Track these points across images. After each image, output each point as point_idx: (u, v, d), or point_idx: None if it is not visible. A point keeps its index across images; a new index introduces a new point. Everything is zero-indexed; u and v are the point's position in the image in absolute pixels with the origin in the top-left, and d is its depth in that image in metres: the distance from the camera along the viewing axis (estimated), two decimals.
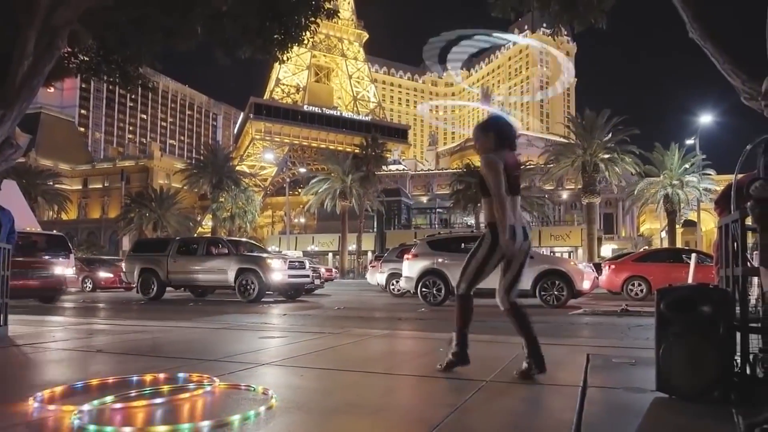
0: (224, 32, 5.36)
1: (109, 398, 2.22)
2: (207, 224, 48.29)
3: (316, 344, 4.17)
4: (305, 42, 5.69)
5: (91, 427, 1.86)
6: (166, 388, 2.50)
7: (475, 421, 2.10)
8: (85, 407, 2.08)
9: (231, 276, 10.80)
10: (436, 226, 50.42)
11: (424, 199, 57.72)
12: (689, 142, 30.06)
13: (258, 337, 4.53)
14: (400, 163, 62.35)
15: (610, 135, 30.47)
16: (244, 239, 16.23)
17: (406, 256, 10.91)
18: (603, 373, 2.95)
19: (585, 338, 5.52)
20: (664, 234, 35.78)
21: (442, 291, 9.94)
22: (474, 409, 2.24)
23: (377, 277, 15.22)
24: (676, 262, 12.53)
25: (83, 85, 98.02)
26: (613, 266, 12.95)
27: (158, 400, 2.28)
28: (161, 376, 2.74)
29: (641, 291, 12.10)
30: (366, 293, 16.30)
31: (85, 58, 5.97)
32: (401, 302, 11.63)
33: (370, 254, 41.58)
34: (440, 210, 54.24)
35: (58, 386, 2.48)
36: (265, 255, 11.60)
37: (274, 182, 69.29)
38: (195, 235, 40.59)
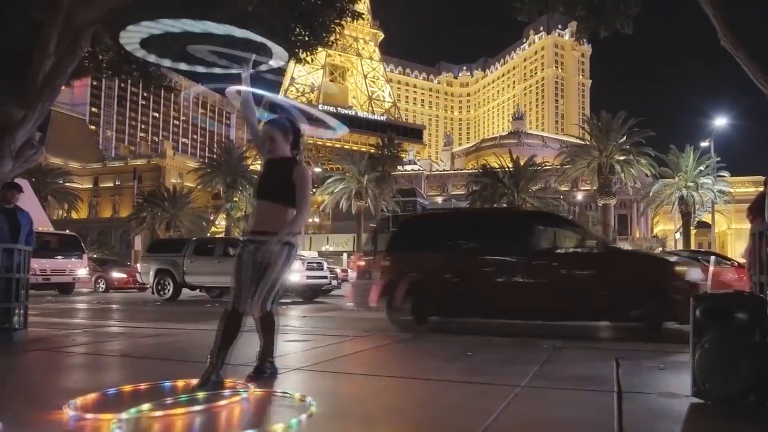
0: None
1: (145, 406, 2.19)
2: (220, 224, 48.55)
3: (342, 348, 4.14)
4: (330, 43, 5.58)
5: None
6: (201, 395, 2.46)
7: (517, 427, 2.09)
8: (123, 416, 2.05)
9: None
10: None
11: (439, 200, 57.59)
12: (704, 144, 30.09)
13: (283, 341, 4.44)
14: (415, 164, 62.25)
15: (625, 137, 30.61)
16: None
17: None
18: (635, 378, 2.93)
19: (608, 341, 5.53)
20: (678, 235, 35.52)
21: None
22: (514, 415, 2.23)
23: None
24: None
25: (94, 83, 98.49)
26: None
27: (196, 408, 2.25)
28: (194, 381, 2.68)
29: None
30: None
31: (106, 58, 5.93)
32: None
33: None
34: None
35: (91, 393, 2.45)
36: None
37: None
38: (208, 234, 40.88)
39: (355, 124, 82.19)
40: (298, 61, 5.67)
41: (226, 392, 2.51)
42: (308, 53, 5.53)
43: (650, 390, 2.65)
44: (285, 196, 2.78)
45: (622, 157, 30.27)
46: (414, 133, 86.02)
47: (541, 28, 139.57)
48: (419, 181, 57.41)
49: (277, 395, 2.50)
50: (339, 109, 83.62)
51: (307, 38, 5.35)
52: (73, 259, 14.19)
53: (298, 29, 5.27)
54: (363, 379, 3.13)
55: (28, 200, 11.82)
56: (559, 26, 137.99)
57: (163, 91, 6.79)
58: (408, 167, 56.47)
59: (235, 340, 2.76)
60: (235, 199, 38.34)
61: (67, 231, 15.85)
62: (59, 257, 13.66)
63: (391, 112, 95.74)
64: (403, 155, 43.09)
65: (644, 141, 30.52)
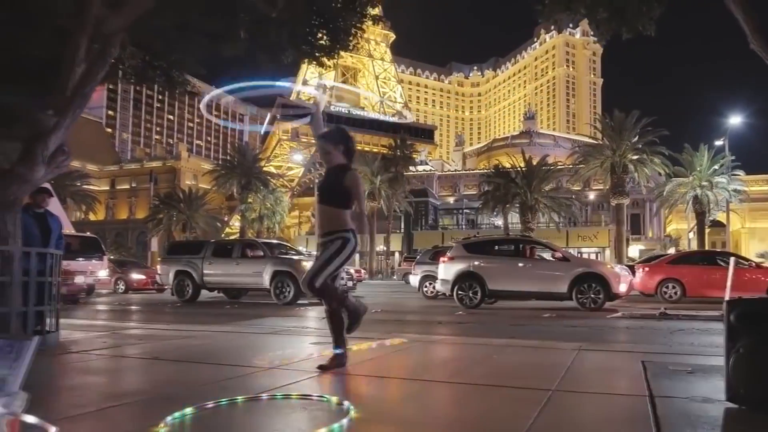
0: (269, 37, 5.32)
1: (189, 410, 2.24)
2: (235, 225, 48.99)
3: (366, 351, 4.15)
4: (351, 47, 5.61)
5: None
6: (240, 399, 2.49)
7: None
8: (168, 419, 2.10)
9: (266, 278, 10.85)
10: (463, 227, 50.21)
11: (451, 200, 57.39)
12: (718, 142, 29.83)
13: (309, 343, 4.51)
14: (427, 164, 62.08)
15: (638, 136, 30.39)
16: (275, 241, 16.36)
17: (442, 259, 10.91)
18: (664, 383, 2.92)
19: (632, 344, 5.52)
20: (692, 235, 35.12)
21: (479, 294, 9.97)
22: (552, 421, 2.23)
23: (411, 279, 15.33)
24: (711, 265, 12.38)
25: (110, 86, 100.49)
26: (647, 268, 12.87)
27: (236, 413, 2.30)
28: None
29: (675, 293, 12.06)
30: (397, 294, 16.27)
31: (131, 64, 6.03)
32: (436, 304, 11.54)
33: (397, 255, 41.53)
34: (467, 211, 53.95)
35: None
36: (300, 257, 11.61)
37: (301, 183, 70.00)
38: (223, 235, 41.26)
39: (366, 125, 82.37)
40: (320, 65, 5.71)
41: (264, 396, 2.54)
42: (330, 57, 5.56)
43: (682, 394, 2.63)
44: (338, 199, 3.17)
45: (635, 157, 30.03)
46: (425, 134, 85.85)
47: (552, 27, 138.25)
48: (431, 182, 57.27)
49: (314, 399, 2.52)
50: (351, 110, 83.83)
51: (328, 43, 5.39)
52: (94, 261, 14.46)
53: (320, 34, 5.31)
54: (394, 382, 3.14)
55: (52, 203, 12.12)
56: (570, 25, 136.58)
57: (178, 94, 6.88)
58: (420, 168, 56.36)
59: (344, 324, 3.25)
60: (250, 200, 38.66)
61: (88, 233, 16.11)
62: (80, 259, 13.92)
63: (402, 113, 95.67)
64: (415, 156, 43.06)
65: (658, 140, 30.29)
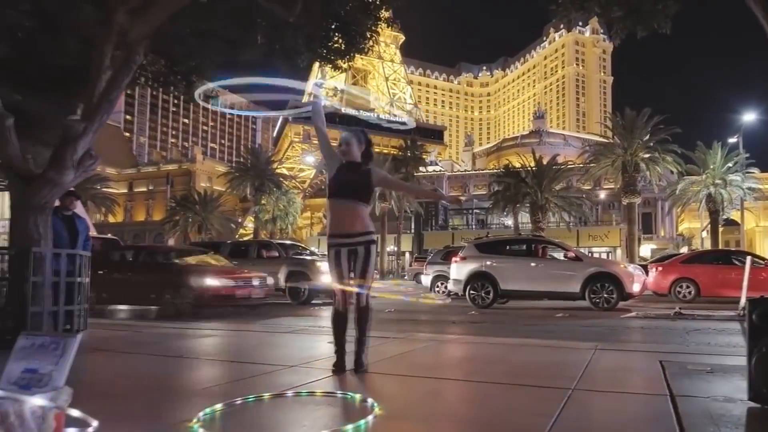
0: (286, 42, 5.45)
1: (219, 406, 2.33)
2: (248, 226, 49.52)
3: (384, 350, 4.20)
4: (366, 50, 5.71)
5: None
6: (267, 396, 2.57)
7: (583, 429, 2.11)
8: (200, 414, 2.19)
9: (281, 279, 11.00)
10: (473, 227, 50.03)
11: (461, 200, 57.18)
12: (732, 140, 29.20)
13: (327, 342, 4.56)
14: (436, 164, 62.03)
15: (650, 134, 29.98)
16: (290, 242, 16.56)
17: (454, 259, 10.95)
18: (684, 382, 2.91)
19: (649, 343, 5.48)
20: (705, 234, 34.49)
21: (491, 294, 9.99)
22: (573, 419, 2.22)
23: (422, 278, 15.36)
24: (726, 264, 12.17)
25: (128, 92, 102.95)
26: (660, 268, 12.70)
27: (263, 410, 2.36)
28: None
29: (689, 293, 11.89)
30: (410, 294, 16.30)
31: (153, 69, 6.22)
32: (448, 304, 11.54)
33: (408, 255, 41.56)
34: (477, 211, 53.78)
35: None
36: (314, 258, 11.74)
37: (312, 184, 70.43)
38: (237, 236, 41.71)
39: (376, 126, 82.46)
40: (336, 68, 5.83)
41: (290, 393, 2.62)
42: (345, 60, 5.67)
43: (703, 394, 2.62)
44: (364, 195, 3.21)
45: (647, 155, 29.60)
46: (435, 134, 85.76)
47: (562, 26, 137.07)
48: (441, 182, 57.20)
49: (338, 396, 2.58)
50: (361, 111, 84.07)
51: (343, 46, 5.50)
52: None
53: (335, 37, 5.43)
54: (414, 380, 3.19)
55: (78, 207, 12.46)
56: (580, 23, 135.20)
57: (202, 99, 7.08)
58: (430, 168, 56.36)
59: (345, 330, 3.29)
60: (263, 201, 39.05)
61: (109, 234, 16.47)
62: None
63: (412, 113, 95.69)
64: (425, 156, 43.10)
65: (670, 138, 29.72)
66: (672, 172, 31.87)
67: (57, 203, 5.04)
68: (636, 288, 9.55)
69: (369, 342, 3.34)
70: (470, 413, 2.44)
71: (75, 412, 1.81)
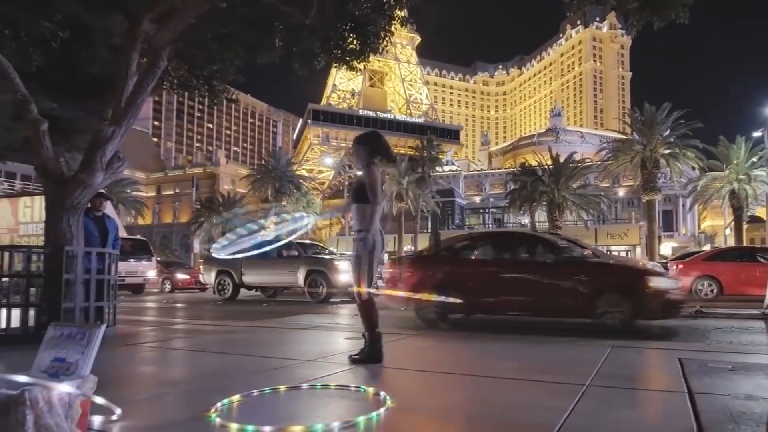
0: (303, 44, 5.58)
1: (236, 397, 2.42)
2: (270, 227, 50.33)
3: (399, 346, 4.24)
4: (380, 50, 5.79)
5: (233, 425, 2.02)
6: (283, 388, 2.65)
7: (595, 426, 2.06)
8: (218, 404, 2.28)
9: (300, 277, 11.18)
10: (490, 225, 49.62)
11: (477, 199, 56.99)
12: (756, 134, 28.03)
13: (343, 338, 4.66)
14: (453, 164, 61.84)
15: (670, 129, 29.13)
16: (309, 241, 16.80)
17: None
18: (703, 380, 2.82)
19: (667, 341, 5.26)
20: (728, 231, 33.19)
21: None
22: (587, 414, 2.20)
23: None
24: (750, 262, 11.66)
25: (156, 99, 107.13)
26: (681, 266, 12.26)
27: (278, 401, 2.43)
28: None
29: (711, 291, 11.44)
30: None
31: (177, 74, 6.44)
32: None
33: None
34: (493, 210, 53.37)
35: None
36: (332, 257, 11.89)
37: (331, 185, 71.04)
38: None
39: (393, 127, 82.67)
40: (351, 68, 5.92)
41: (305, 385, 2.67)
42: (360, 60, 5.76)
43: (723, 391, 2.54)
44: (360, 196, 3.35)
45: (667, 151, 28.70)
46: (451, 134, 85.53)
47: (579, 22, 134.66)
48: (457, 182, 57.00)
49: (352, 389, 2.62)
50: (378, 113, 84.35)
51: (358, 47, 5.59)
52: (143, 262, 15.40)
53: (350, 38, 5.52)
54: (426, 375, 3.21)
55: (108, 207, 12.99)
56: (597, 19, 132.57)
57: (216, 103, 7.33)
58: (446, 168, 56.15)
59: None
60: (284, 203, 39.64)
61: (138, 236, 17.03)
62: (132, 260, 14.82)
63: (428, 114, 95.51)
64: (441, 156, 42.96)
65: (691, 133, 28.79)
66: (693, 168, 30.84)
67: (88, 205, 5.28)
68: None
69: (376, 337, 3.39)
70: (483, 408, 2.43)
71: (100, 400, 1.90)
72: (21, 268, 4.84)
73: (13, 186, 40.75)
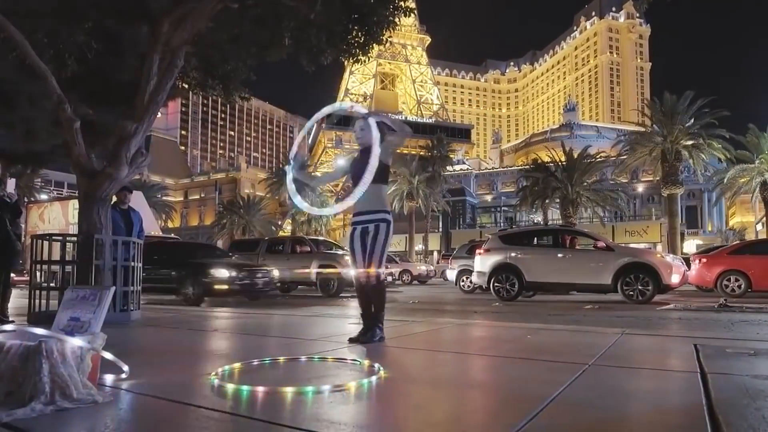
0: (310, 41, 5.87)
1: (237, 365, 2.63)
2: (287, 228, 51.25)
3: (403, 329, 4.33)
4: (383, 41, 6.01)
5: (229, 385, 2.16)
6: (282, 359, 2.81)
7: (594, 397, 1.97)
8: (219, 370, 2.44)
9: (313, 272, 11.52)
10: (501, 224, 49.33)
11: (489, 198, 56.67)
12: None
13: (348, 323, 4.80)
14: (464, 163, 61.72)
15: (693, 119, 27.05)
16: (321, 238, 17.16)
17: (478, 251, 10.72)
18: (720, 362, 2.66)
19: (684, 330, 4.98)
20: (759, 226, 31.55)
21: (516, 286, 9.73)
22: (585, 387, 2.13)
23: (447, 273, 15.30)
24: None
25: (183, 109, 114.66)
26: (705, 260, 11.56)
27: (278, 371, 2.60)
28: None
29: (739, 287, 10.63)
30: (434, 289, 16.43)
31: (194, 75, 6.81)
32: (472, 298, 11.53)
33: (435, 254, 41.58)
34: (505, 208, 52.98)
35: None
36: (343, 252, 12.18)
37: (345, 187, 71.46)
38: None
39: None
40: (356, 61, 6.19)
41: (303, 358, 2.80)
42: (365, 53, 6.02)
43: (739, 372, 2.38)
44: (379, 176, 3.30)
45: (689, 142, 26.63)
46: (462, 133, 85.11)
47: (593, 13, 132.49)
48: (468, 180, 56.83)
49: (348, 362, 2.72)
50: (390, 114, 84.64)
51: (363, 39, 5.84)
52: None
53: (354, 31, 5.78)
54: (425, 353, 3.25)
55: (143, 208, 13.50)
56: (613, 8, 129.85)
57: (234, 104, 7.70)
58: (457, 167, 56.07)
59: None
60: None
61: (172, 235, 17.62)
62: None
63: (439, 114, 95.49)
64: (452, 155, 42.97)
65: (716, 122, 26.57)
66: (719, 160, 28.52)
67: (114, 198, 5.66)
68: (675, 279, 8.82)
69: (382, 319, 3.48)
70: (476, 379, 2.44)
71: (108, 355, 2.07)
72: (58, 256, 5.30)
73: (61, 194, 42.83)
